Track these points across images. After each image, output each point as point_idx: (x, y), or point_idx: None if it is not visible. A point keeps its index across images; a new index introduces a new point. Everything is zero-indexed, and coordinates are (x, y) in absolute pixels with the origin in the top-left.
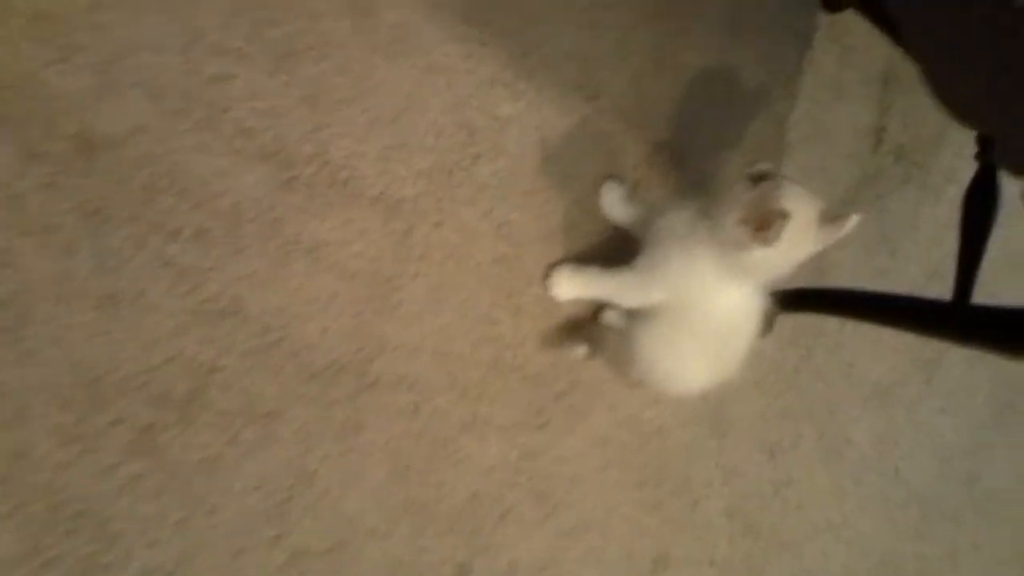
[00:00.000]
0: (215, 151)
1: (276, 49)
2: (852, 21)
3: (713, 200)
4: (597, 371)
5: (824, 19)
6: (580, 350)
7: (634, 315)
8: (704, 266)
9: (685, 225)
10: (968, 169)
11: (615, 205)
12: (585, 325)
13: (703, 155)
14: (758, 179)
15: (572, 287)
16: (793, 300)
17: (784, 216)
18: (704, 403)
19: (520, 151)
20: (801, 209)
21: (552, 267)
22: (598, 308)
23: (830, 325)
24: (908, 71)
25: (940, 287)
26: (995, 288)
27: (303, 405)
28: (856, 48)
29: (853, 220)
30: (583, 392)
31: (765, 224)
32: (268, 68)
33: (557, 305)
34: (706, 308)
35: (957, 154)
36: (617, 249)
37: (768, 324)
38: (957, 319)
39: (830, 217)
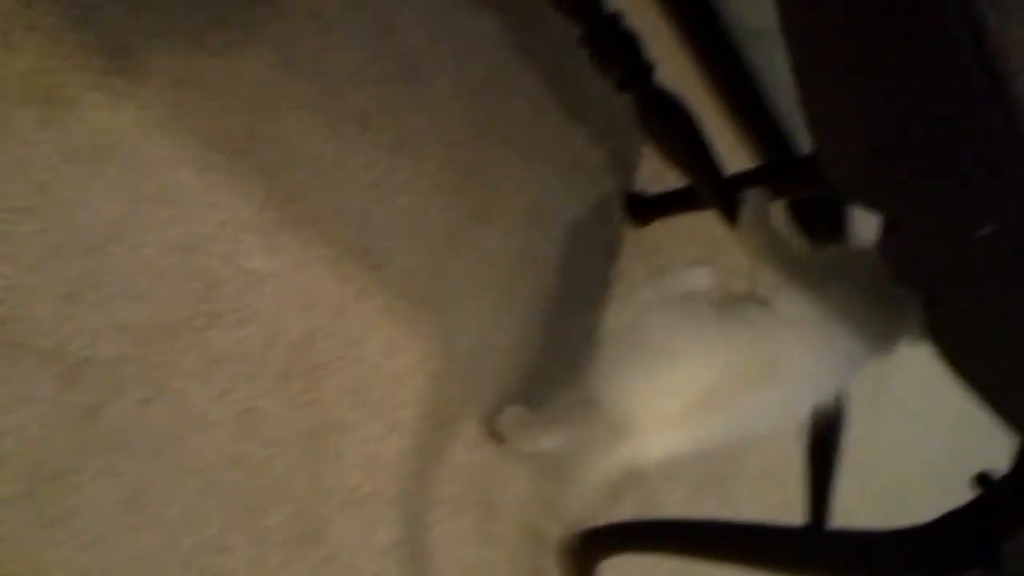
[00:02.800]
0: None
1: None
2: (662, 238)
3: None
4: None
5: (632, 235)
6: None
7: None
8: None
9: None
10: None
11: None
12: None
13: (501, 358)
14: None
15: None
16: (612, 537)
17: None
18: None
19: (276, 319)
20: None
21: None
22: None
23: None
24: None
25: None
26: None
27: None
28: (664, 268)
29: None
30: None
31: None
32: None
33: (323, 525)
34: None
35: None
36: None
37: None
38: (814, 547)
39: None
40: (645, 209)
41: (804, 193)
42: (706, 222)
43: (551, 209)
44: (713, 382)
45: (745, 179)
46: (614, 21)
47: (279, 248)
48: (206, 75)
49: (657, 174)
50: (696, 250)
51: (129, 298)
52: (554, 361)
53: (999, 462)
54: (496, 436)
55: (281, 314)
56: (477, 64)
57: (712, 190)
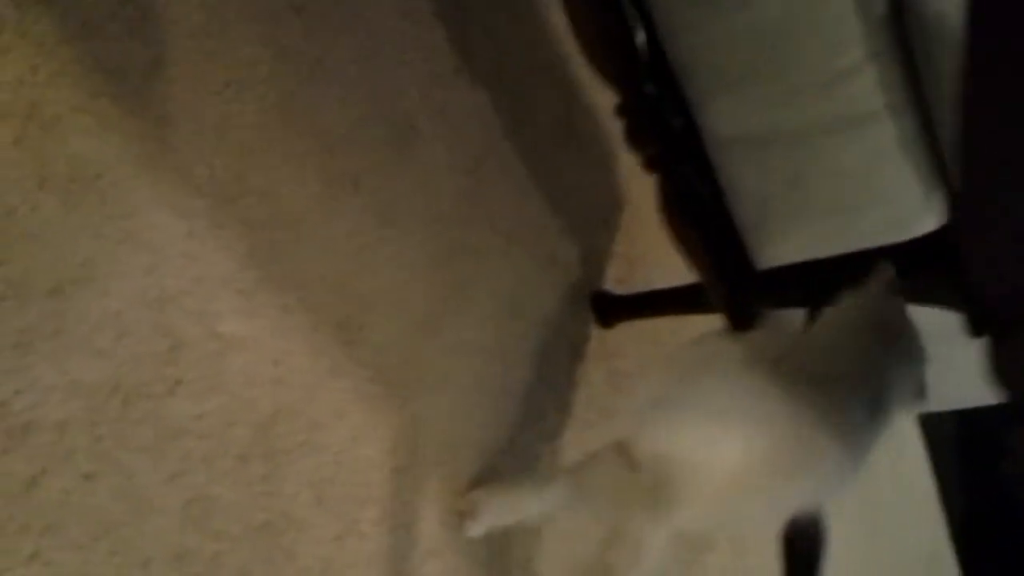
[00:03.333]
0: None
1: None
2: (624, 341)
3: None
4: None
5: (595, 333)
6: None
7: None
8: None
9: None
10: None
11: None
12: None
13: (467, 449)
14: None
15: None
16: None
17: None
18: None
19: (243, 392)
20: None
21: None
22: None
23: None
24: None
25: None
26: None
27: None
28: (622, 373)
29: None
30: None
31: None
32: None
33: None
34: None
35: None
36: None
37: None
38: None
39: None
40: (611, 310)
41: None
42: (667, 329)
43: (526, 301)
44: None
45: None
46: (659, 97)
47: (256, 312)
48: (202, 113)
49: (625, 275)
50: (656, 356)
51: (88, 353)
52: (514, 461)
53: None
54: (464, 514)
55: (249, 387)
56: (470, 140)
57: (722, 287)
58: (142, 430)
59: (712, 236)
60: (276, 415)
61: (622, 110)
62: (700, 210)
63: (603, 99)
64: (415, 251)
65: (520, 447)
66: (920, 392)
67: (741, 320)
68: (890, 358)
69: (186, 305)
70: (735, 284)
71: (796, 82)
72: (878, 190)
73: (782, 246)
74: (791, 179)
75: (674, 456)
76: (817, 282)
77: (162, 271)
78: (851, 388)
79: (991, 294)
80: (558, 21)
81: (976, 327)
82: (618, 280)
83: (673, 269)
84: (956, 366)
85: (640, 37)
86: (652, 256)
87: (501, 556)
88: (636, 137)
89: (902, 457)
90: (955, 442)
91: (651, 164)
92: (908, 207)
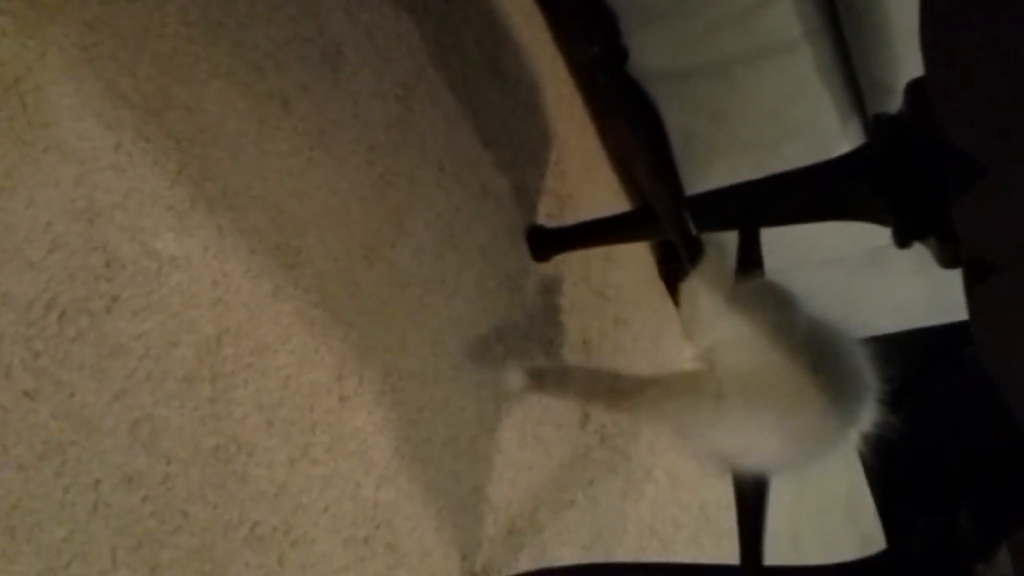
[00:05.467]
0: None
1: None
2: (558, 275)
3: None
4: None
5: (532, 267)
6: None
7: None
8: None
9: None
10: (664, 468)
11: None
12: None
13: (409, 385)
14: None
15: None
16: None
17: None
18: None
19: (183, 313)
20: None
21: None
22: None
23: None
24: (606, 345)
25: None
26: None
27: None
28: (560, 308)
29: None
30: None
31: None
32: None
33: (225, 564)
34: None
35: (652, 449)
36: None
37: None
38: None
39: None
40: (546, 243)
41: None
42: (599, 261)
43: (462, 233)
44: None
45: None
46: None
47: (190, 231)
48: (122, 21)
49: (555, 212)
50: (587, 292)
51: (19, 265)
52: (461, 395)
53: None
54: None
55: (189, 307)
56: (398, 66)
57: (669, 197)
58: (81, 347)
59: (651, 139)
60: (220, 337)
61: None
62: (641, 115)
63: (531, 36)
64: (349, 177)
65: (464, 375)
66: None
67: (688, 240)
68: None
69: (118, 220)
70: (679, 199)
71: (716, 15)
72: (797, 121)
73: (707, 178)
74: (713, 114)
75: None
76: (743, 205)
77: (91, 183)
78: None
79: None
80: None
81: (902, 238)
82: (549, 216)
83: (602, 206)
84: (866, 295)
85: None
86: (581, 193)
87: (457, 483)
88: (580, 35)
89: None
90: None
91: (594, 64)
92: (826, 135)
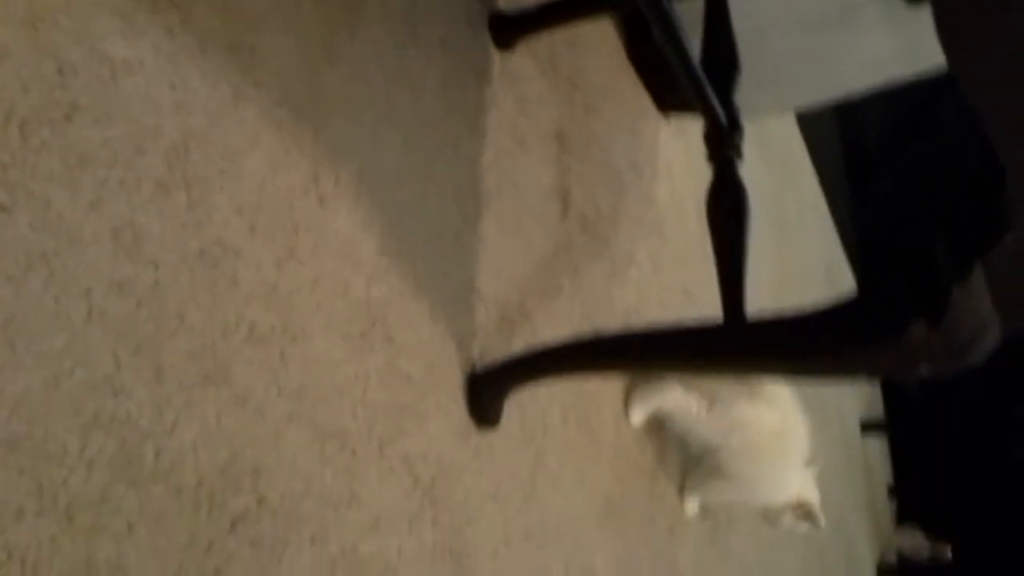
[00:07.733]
0: None
1: None
2: (525, 64)
3: None
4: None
5: (497, 57)
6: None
7: None
8: None
9: None
10: (646, 252)
11: None
12: None
13: (387, 185)
14: None
15: None
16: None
17: None
18: (437, 529)
19: (144, 119)
20: None
21: None
22: None
23: (554, 420)
24: (579, 134)
25: None
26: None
27: None
28: (529, 99)
29: None
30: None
31: None
32: None
33: (226, 363)
34: None
35: (632, 235)
36: None
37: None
38: (737, 339)
39: None
40: (508, 29)
41: None
42: (563, 45)
43: (420, 24)
44: None
45: None
46: None
47: (138, 32)
48: None
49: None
50: (555, 79)
51: None
52: (439, 192)
53: None
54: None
55: (150, 113)
56: None
57: None
58: (48, 158)
59: None
60: (186, 143)
61: None
62: None
63: None
64: None
65: (440, 172)
66: None
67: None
68: None
69: (62, 24)
70: None
71: None
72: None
73: None
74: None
75: None
76: None
77: None
78: None
79: None
80: None
81: None
82: (509, 1)
83: None
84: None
85: None
86: None
87: (445, 277)
88: None
89: (803, 177)
90: (837, 145)
91: None
92: None
